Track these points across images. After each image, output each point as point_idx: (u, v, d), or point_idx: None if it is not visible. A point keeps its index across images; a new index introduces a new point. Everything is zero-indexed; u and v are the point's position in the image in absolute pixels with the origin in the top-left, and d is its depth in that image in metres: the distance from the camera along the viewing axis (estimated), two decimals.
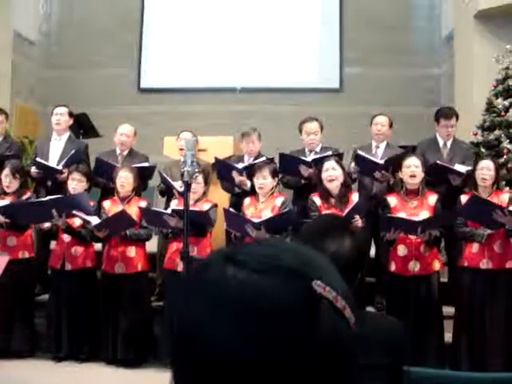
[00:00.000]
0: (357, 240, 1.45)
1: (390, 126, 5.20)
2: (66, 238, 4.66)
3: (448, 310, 4.60)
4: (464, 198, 4.33)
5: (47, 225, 4.64)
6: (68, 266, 4.64)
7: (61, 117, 5.35)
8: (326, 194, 4.31)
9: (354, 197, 4.31)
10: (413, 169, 4.26)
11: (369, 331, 1.45)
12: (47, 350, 4.71)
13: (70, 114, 5.47)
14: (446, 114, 5.21)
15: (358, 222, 4.10)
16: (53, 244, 5.04)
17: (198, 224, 4.31)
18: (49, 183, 5.17)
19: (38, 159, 5.14)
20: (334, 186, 4.29)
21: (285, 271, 0.60)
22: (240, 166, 4.80)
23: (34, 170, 5.12)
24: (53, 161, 5.20)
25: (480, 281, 4.22)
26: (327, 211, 4.24)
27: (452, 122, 5.10)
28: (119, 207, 4.60)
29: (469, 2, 8.04)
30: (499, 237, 4.20)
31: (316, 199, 4.34)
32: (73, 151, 5.14)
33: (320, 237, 1.45)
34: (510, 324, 4.19)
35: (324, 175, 4.31)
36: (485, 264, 4.20)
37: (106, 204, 4.76)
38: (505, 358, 4.13)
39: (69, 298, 4.63)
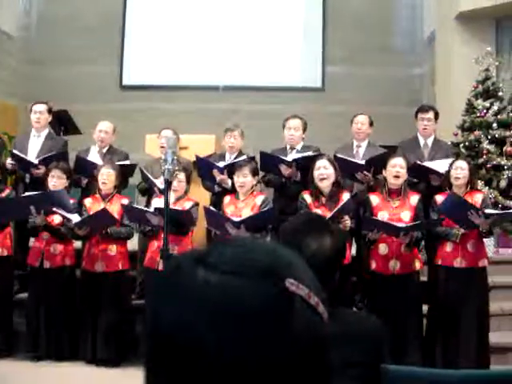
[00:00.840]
0: (336, 239, 1.45)
1: (371, 124, 5.23)
2: (45, 235, 4.61)
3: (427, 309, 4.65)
4: (439, 198, 4.38)
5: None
6: (47, 264, 4.59)
7: (40, 115, 5.30)
8: (316, 193, 4.31)
9: (345, 196, 4.32)
10: (398, 169, 4.28)
11: (349, 330, 1.46)
12: (26, 350, 4.64)
13: (49, 111, 5.41)
14: (422, 107, 5.35)
15: (347, 221, 4.12)
16: (31, 242, 4.99)
17: (180, 222, 4.30)
18: (27, 180, 5.12)
19: (14, 151, 5.08)
20: (326, 185, 4.30)
21: (256, 271, 0.59)
22: (221, 164, 4.80)
23: (9, 161, 5.05)
24: (31, 157, 5.14)
25: (454, 279, 4.27)
26: (317, 210, 4.26)
27: (428, 116, 5.14)
28: (101, 205, 4.57)
29: (450, 3, 8.11)
30: (472, 236, 4.27)
31: (307, 197, 4.34)
32: (55, 152, 5.09)
33: (299, 235, 1.45)
34: (483, 322, 4.26)
35: (315, 173, 4.31)
36: (458, 263, 4.26)
37: (88, 202, 4.72)
38: (477, 356, 4.18)
39: (47, 297, 4.58)
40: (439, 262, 4.38)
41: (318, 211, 4.25)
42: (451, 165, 4.46)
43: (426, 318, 4.42)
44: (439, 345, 4.26)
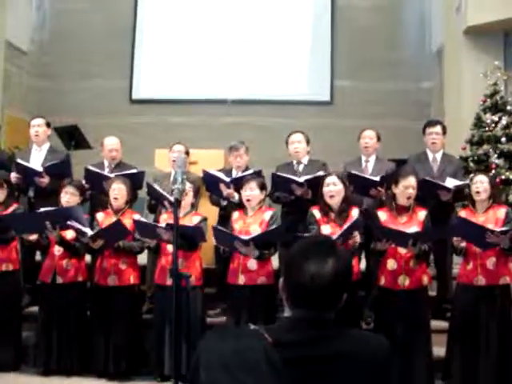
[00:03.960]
0: (340, 262, 1.46)
1: (378, 139, 5.25)
2: (57, 251, 4.64)
3: (437, 324, 4.62)
4: (463, 214, 4.36)
5: (33, 237, 4.61)
6: (59, 280, 4.61)
7: (38, 128, 5.37)
8: (325, 209, 4.32)
9: (354, 212, 4.32)
10: (411, 191, 4.26)
11: (356, 350, 1.47)
12: (34, 364, 4.65)
13: (48, 125, 5.48)
14: (430, 122, 5.39)
15: (357, 237, 4.13)
16: (39, 256, 5.01)
17: (190, 238, 4.32)
18: (31, 194, 5.16)
19: (18, 160, 5.13)
20: (335, 202, 4.31)
21: None
22: (228, 178, 4.82)
23: (13, 175, 5.08)
24: (33, 165, 5.17)
25: (473, 297, 4.23)
26: (326, 225, 4.27)
27: (436, 130, 5.16)
28: (113, 219, 4.59)
29: (458, 18, 8.13)
30: (492, 253, 4.21)
31: (316, 212, 4.35)
32: (58, 161, 5.14)
33: (302, 258, 1.46)
34: (504, 341, 4.19)
35: (325, 190, 4.32)
36: (478, 281, 4.23)
37: (100, 216, 4.75)
38: (497, 376, 4.13)
39: (59, 311, 4.59)
40: (461, 280, 4.34)
41: (327, 227, 4.26)
42: (471, 179, 4.43)
43: (448, 336, 4.37)
44: (459, 365, 4.20)
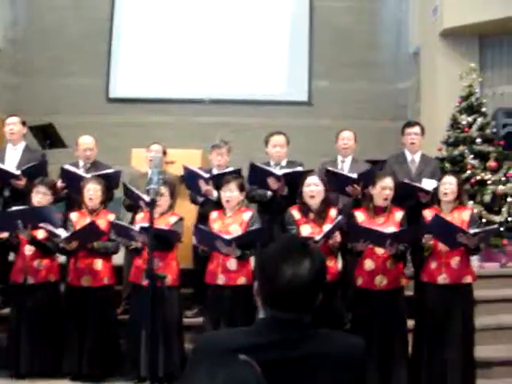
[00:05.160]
0: (315, 262, 1.46)
1: (356, 140, 5.28)
2: (28, 251, 4.56)
3: (413, 324, 4.66)
4: (428, 213, 4.41)
5: (3, 235, 4.53)
6: (31, 280, 4.54)
7: (13, 126, 5.30)
8: (304, 209, 4.32)
9: (332, 212, 4.34)
10: (387, 192, 4.30)
11: (332, 352, 1.47)
12: (5, 366, 4.56)
13: (23, 123, 5.40)
14: (409, 123, 5.50)
15: (337, 237, 4.15)
16: (11, 256, 4.93)
17: (165, 240, 4.29)
18: (6, 193, 5.08)
19: None
20: (315, 202, 4.31)
21: None
22: (206, 175, 4.79)
23: None
24: (11, 168, 5.10)
25: (438, 295, 4.29)
26: (305, 225, 4.27)
27: (415, 130, 5.23)
28: (87, 220, 4.53)
29: (434, 20, 8.22)
30: (457, 253, 4.28)
31: (295, 213, 4.35)
32: (35, 163, 5.06)
33: (275, 262, 1.45)
34: (468, 337, 4.27)
35: (305, 190, 4.32)
36: (442, 279, 4.28)
37: (74, 216, 4.68)
38: (463, 371, 4.20)
39: (31, 312, 4.51)
40: (424, 279, 4.40)
41: (307, 227, 4.27)
42: (440, 180, 4.49)
43: (413, 334, 4.42)
44: (425, 361, 4.27)
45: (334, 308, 4.24)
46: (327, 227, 4.14)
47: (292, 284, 1.42)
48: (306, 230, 4.25)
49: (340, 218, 4.21)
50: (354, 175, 4.76)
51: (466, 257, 4.33)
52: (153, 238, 2.64)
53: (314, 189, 4.31)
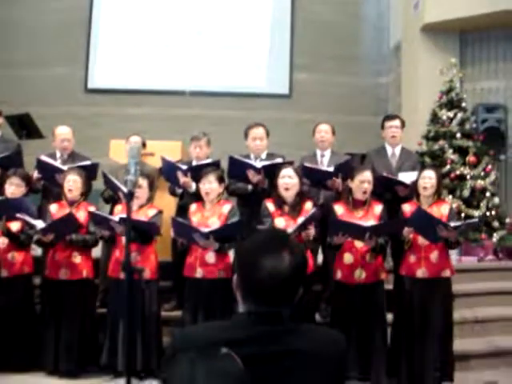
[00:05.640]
0: (295, 255, 1.43)
1: (333, 133, 5.24)
2: (2, 244, 4.47)
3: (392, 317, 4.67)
4: (407, 207, 4.41)
5: None
6: (4, 273, 4.45)
7: None
8: (279, 201, 4.29)
9: (308, 205, 4.30)
10: (366, 185, 4.29)
11: (313, 348, 1.44)
12: None
13: None
14: (389, 116, 5.50)
15: (311, 230, 4.10)
16: None
17: (144, 232, 4.23)
18: None
19: None
20: (289, 195, 4.28)
21: None
22: (184, 166, 4.74)
23: None
24: None
25: (417, 289, 4.30)
26: (280, 218, 4.23)
27: (396, 123, 5.23)
28: (67, 211, 4.45)
29: (416, 15, 8.23)
30: (436, 247, 4.29)
31: (269, 205, 4.31)
32: (10, 153, 4.96)
33: (254, 256, 1.42)
34: (447, 331, 4.29)
35: (280, 182, 4.29)
36: (421, 273, 4.29)
37: (53, 208, 4.60)
38: (442, 364, 4.22)
39: (5, 306, 4.43)
40: (403, 273, 4.41)
41: (281, 220, 4.23)
42: (419, 174, 4.49)
43: (391, 327, 4.43)
44: (404, 354, 4.28)
45: (307, 301, 4.21)
46: (301, 220, 4.11)
47: (272, 277, 1.39)
48: (280, 223, 4.21)
49: (314, 210, 4.18)
50: (331, 169, 4.73)
51: (445, 251, 4.35)
52: (130, 230, 2.59)
53: (288, 181, 4.27)
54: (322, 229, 4.35)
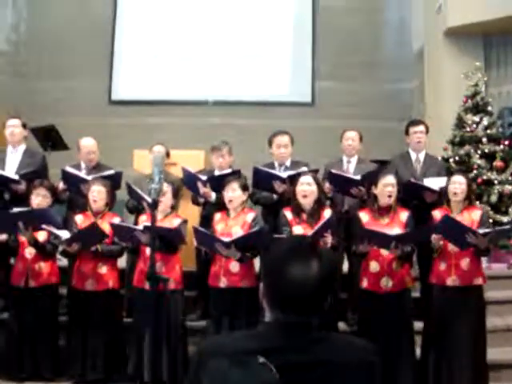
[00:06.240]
0: (324, 264, 1.39)
1: (360, 140, 5.21)
2: (29, 254, 4.52)
3: (420, 326, 4.59)
4: (437, 214, 4.33)
5: (2, 237, 4.49)
6: (32, 283, 4.49)
7: (14, 128, 5.24)
8: (297, 209, 4.26)
9: (326, 213, 4.26)
10: (390, 189, 4.23)
11: (341, 357, 1.40)
12: (7, 370, 4.50)
13: (24, 126, 5.35)
14: (413, 121, 5.45)
15: (328, 238, 4.05)
16: (12, 260, 4.87)
17: (168, 241, 4.23)
18: (6, 196, 5.03)
19: None
20: (307, 202, 4.24)
21: None
22: (204, 177, 4.73)
23: None
24: (10, 173, 5.05)
25: (447, 298, 4.21)
26: (298, 226, 4.20)
27: (421, 129, 5.18)
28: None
29: (438, 19, 8.15)
30: (467, 254, 4.20)
31: (287, 213, 4.28)
32: (35, 169, 5.01)
33: (282, 265, 1.39)
34: (479, 340, 4.19)
35: (298, 189, 4.26)
36: (451, 281, 4.20)
37: (79, 219, 4.63)
38: (475, 374, 4.12)
39: (33, 316, 4.46)
40: (433, 281, 4.32)
41: (299, 228, 4.19)
42: (449, 179, 4.41)
43: (422, 338, 4.34)
44: (432, 365, 4.19)
45: (333, 310, 4.16)
46: (316, 227, 4.04)
47: (301, 286, 1.36)
48: (298, 231, 4.17)
49: (329, 217, 4.12)
50: (358, 177, 4.69)
51: (476, 258, 4.24)
52: (155, 238, 2.58)
53: (306, 188, 4.23)
54: (347, 236, 4.29)
